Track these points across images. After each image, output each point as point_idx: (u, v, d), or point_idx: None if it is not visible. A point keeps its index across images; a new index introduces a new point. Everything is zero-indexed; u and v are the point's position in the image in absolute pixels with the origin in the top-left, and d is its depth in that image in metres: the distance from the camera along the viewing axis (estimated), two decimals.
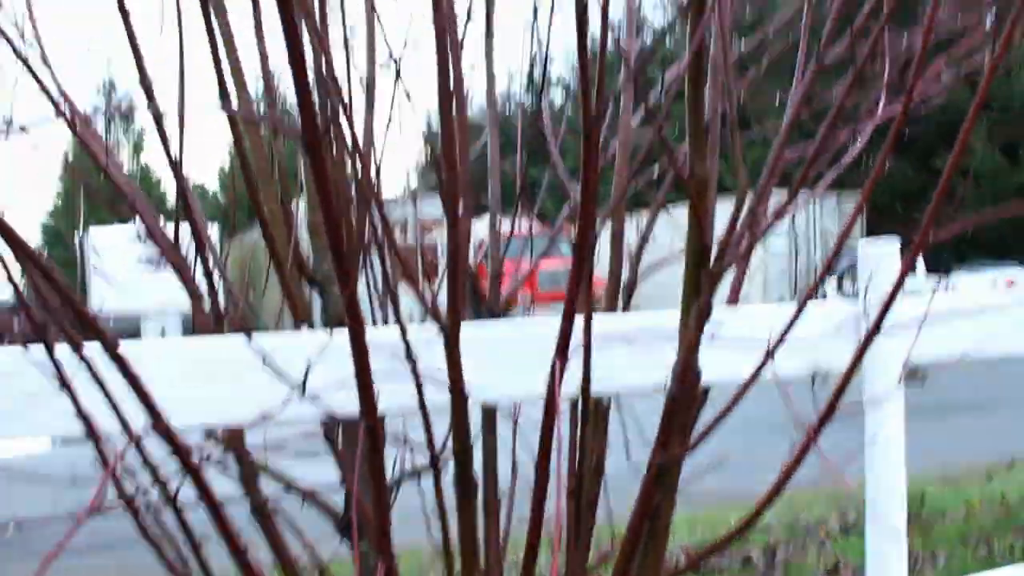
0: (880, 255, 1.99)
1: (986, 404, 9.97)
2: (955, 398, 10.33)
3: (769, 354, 1.55)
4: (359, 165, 1.45)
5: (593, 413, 1.77)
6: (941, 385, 11.67)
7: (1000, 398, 10.14)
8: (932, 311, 1.91)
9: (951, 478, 6.29)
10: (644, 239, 1.92)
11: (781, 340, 1.54)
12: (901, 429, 2.20)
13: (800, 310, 1.57)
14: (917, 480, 6.01)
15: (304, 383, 1.42)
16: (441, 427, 1.50)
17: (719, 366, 1.59)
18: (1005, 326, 2.13)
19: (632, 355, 1.73)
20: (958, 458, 6.91)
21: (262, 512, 1.67)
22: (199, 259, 1.84)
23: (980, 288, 18.04)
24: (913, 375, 1.60)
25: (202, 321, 1.79)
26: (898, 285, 1.54)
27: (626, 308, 1.98)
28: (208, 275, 1.87)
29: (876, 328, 1.56)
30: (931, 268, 16.96)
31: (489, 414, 1.79)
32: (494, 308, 1.89)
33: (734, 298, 1.78)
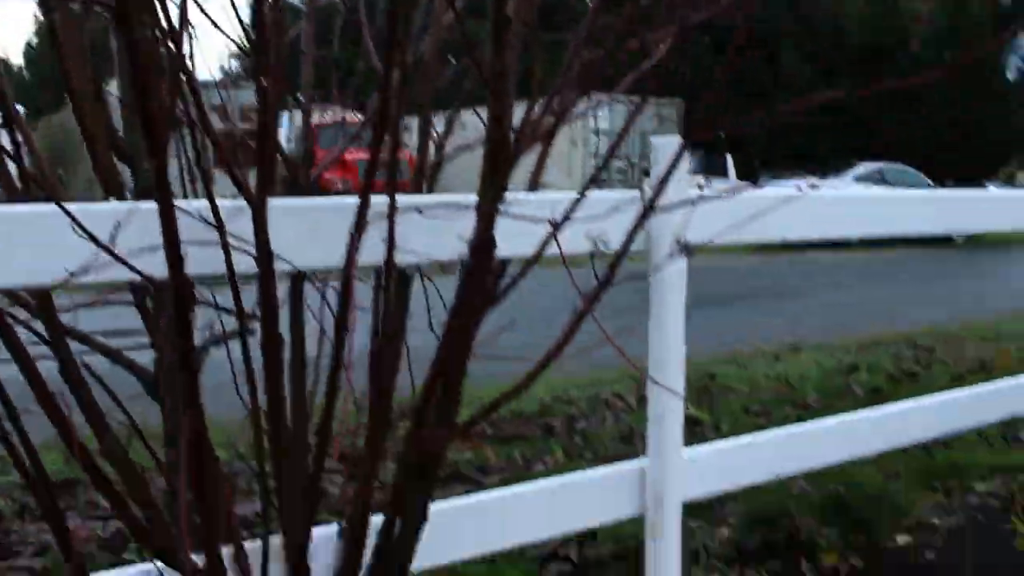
0: (664, 145, 2.31)
1: (784, 293, 11.39)
2: (757, 287, 11.80)
3: (555, 228, 1.84)
4: (171, 42, 1.58)
5: (396, 282, 2.04)
6: (744, 277, 13.18)
7: (797, 287, 12.18)
8: (707, 199, 2.27)
9: (742, 360, 7.13)
10: (451, 122, 2.15)
11: (567, 217, 1.84)
12: (680, 300, 2.55)
13: (584, 191, 1.87)
14: (710, 361, 6.79)
15: (112, 244, 1.59)
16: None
17: (515, 241, 1.87)
18: (779, 217, 2.48)
19: (433, 229, 1.99)
20: (753, 342, 7.85)
21: (71, 372, 1.85)
22: (6, 129, 1.94)
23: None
24: (687, 250, 1.92)
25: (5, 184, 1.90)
26: (671, 169, 1.85)
27: (431, 187, 2.21)
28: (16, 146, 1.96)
29: (650, 206, 1.88)
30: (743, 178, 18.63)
31: (297, 281, 2.02)
32: (304, 184, 2.08)
33: (534, 183, 2.04)
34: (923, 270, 15.29)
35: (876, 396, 5.40)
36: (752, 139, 22.51)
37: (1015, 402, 3.96)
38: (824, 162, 21.11)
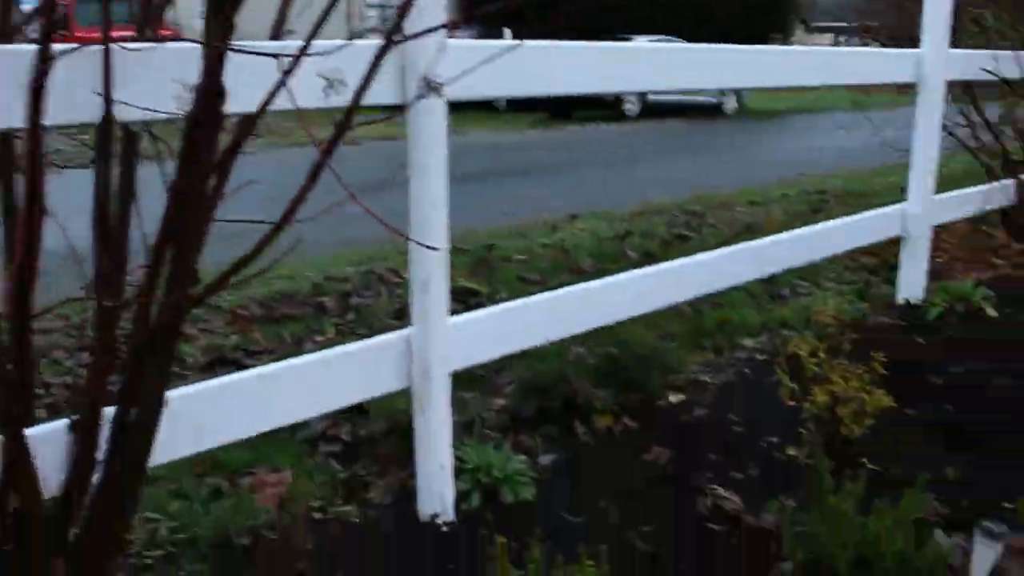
0: None
1: (566, 166, 11.46)
2: (539, 160, 11.83)
3: (288, 71, 1.66)
4: None
5: (123, 140, 1.83)
6: (526, 151, 13.16)
7: (578, 160, 12.34)
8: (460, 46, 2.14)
9: (521, 231, 7.12)
10: None
11: (303, 53, 1.66)
12: (442, 151, 2.42)
13: (319, 26, 1.69)
14: (489, 234, 6.75)
15: None
16: None
17: (252, 93, 1.68)
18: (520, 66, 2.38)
19: (159, 80, 1.78)
20: (533, 214, 7.83)
21: None
22: None
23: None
24: (435, 89, 1.78)
25: None
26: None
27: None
28: None
29: (392, 33, 1.71)
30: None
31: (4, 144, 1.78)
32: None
33: (276, 33, 1.84)
34: (697, 141, 15.80)
35: (649, 259, 5.51)
36: (532, 14, 22.49)
37: (778, 260, 4.11)
38: (602, 38, 21.39)
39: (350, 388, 2.50)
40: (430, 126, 2.36)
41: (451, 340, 2.57)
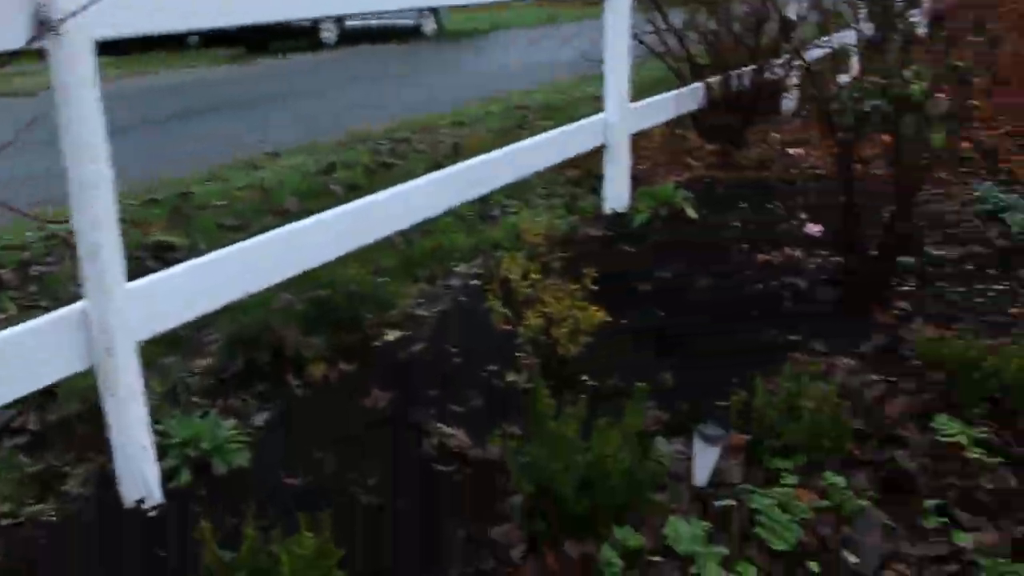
0: None
1: (261, 101, 11.04)
2: (232, 97, 11.24)
3: None
4: None
5: None
6: (217, 88, 12.39)
7: (276, 94, 11.76)
8: None
9: (219, 174, 6.73)
10: None
11: None
12: (93, 95, 2.16)
13: None
14: (185, 180, 6.35)
15: None
16: None
17: None
18: None
19: None
20: (231, 154, 7.41)
21: None
22: None
23: None
24: (47, 27, 1.54)
25: None
26: None
27: None
28: None
29: None
30: None
31: None
32: None
33: None
34: (397, 65, 15.62)
35: (355, 192, 5.36)
36: None
37: (488, 180, 4.08)
38: None
39: (27, 375, 2.22)
40: (75, 68, 2.08)
41: (133, 307, 2.34)
